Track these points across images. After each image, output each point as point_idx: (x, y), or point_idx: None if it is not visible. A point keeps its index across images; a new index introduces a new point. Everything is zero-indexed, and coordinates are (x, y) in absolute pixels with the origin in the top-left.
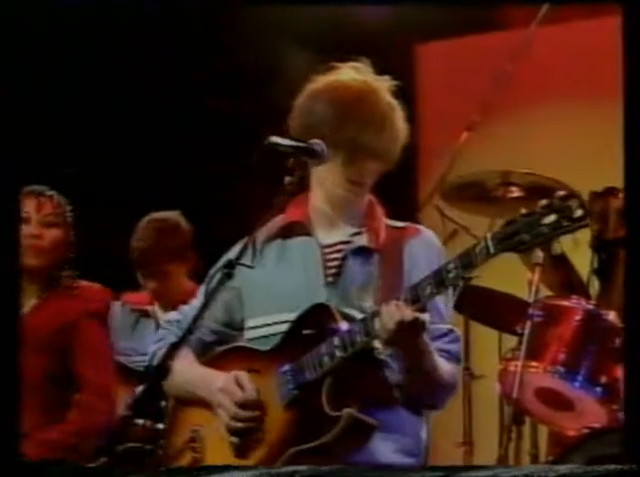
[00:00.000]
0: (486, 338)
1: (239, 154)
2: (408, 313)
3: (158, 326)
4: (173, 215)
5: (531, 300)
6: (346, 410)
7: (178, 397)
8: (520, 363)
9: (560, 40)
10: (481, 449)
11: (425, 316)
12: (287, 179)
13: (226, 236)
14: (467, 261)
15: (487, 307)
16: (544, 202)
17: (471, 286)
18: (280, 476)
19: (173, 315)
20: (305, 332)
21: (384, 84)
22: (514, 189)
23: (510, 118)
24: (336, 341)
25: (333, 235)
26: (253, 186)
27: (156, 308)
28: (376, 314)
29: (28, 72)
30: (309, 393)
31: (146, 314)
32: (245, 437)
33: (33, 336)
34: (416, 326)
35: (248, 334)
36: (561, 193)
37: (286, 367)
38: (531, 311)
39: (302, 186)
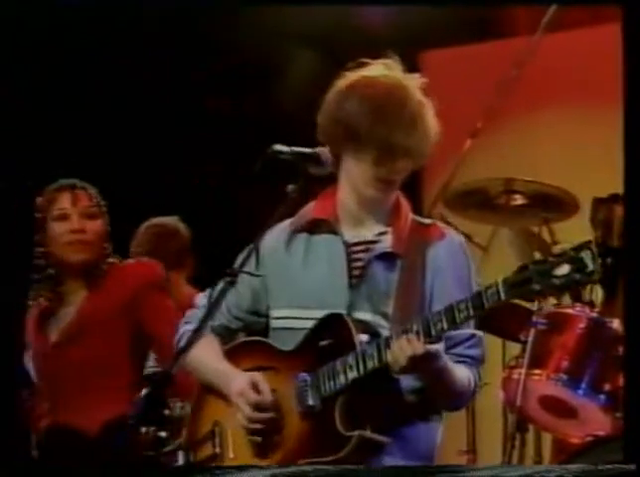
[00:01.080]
0: (490, 346)
1: (239, 155)
2: (420, 347)
3: None
4: (172, 220)
5: (535, 308)
6: (357, 432)
7: (202, 383)
8: (523, 371)
9: (563, 46)
10: (485, 457)
11: (438, 347)
12: (290, 187)
13: (226, 241)
14: (478, 303)
15: (491, 315)
16: (557, 250)
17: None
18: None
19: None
20: (322, 343)
21: (414, 82)
22: (517, 197)
23: (514, 125)
24: (350, 360)
25: (359, 233)
26: (255, 192)
27: None
28: (388, 342)
29: (27, 72)
30: (324, 407)
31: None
32: (264, 438)
33: (92, 323)
34: (429, 358)
35: (273, 323)
36: (578, 242)
37: (305, 376)
38: (534, 319)
39: (306, 194)
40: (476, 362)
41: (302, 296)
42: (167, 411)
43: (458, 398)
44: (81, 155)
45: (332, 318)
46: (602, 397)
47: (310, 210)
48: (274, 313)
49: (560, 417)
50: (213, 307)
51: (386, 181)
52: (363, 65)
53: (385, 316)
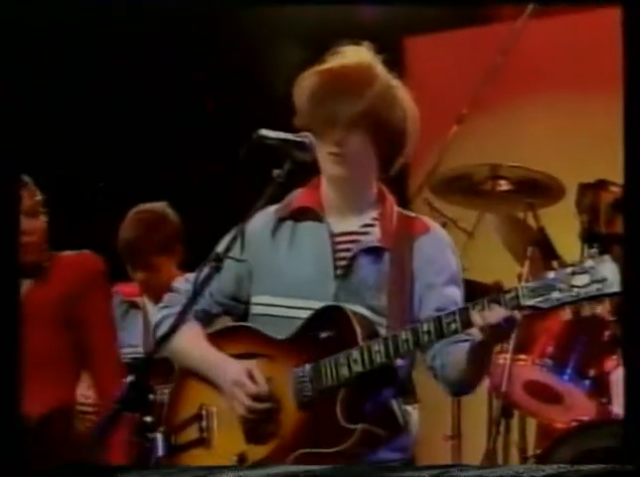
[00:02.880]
0: None
1: (235, 152)
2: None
3: (146, 319)
4: (160, 206)
5: None
6: (361, 425)
7: (184, 369)
8: (509, 356)
9: (549, 33)
10: (469, 443)
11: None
12: (276, 172)
13: (215, 227)
14: (496, 305)
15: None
16: (576, 259)
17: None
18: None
19: (182, 284)
20: (322, 335)
21: (371, 58)
22: (503, 182)
23: (499, 112)
24: (355, 355)
25: (344, 223)
26: (243, 178)
27: (145, 300)
28: (396, 340)
29: (27, 71)
30: (324, 399)
31: (135, 305)
32: (260, 427)
33: (33, 314)
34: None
35: (253, 309)
36: (596, 253)
37: (304, 368)
38: None
39: (292, 178)
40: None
41: (285, 284)
42: (152, 396)
43: (483, 378)
44: (80, 152)
45: (331, 310)
46: (587, 382)
47: (296, 198)
48: (255, 299)
49: (545, 403)
50: (198, 292)
51: (338, 155)
52: (337, 53)
53: (373, 309)
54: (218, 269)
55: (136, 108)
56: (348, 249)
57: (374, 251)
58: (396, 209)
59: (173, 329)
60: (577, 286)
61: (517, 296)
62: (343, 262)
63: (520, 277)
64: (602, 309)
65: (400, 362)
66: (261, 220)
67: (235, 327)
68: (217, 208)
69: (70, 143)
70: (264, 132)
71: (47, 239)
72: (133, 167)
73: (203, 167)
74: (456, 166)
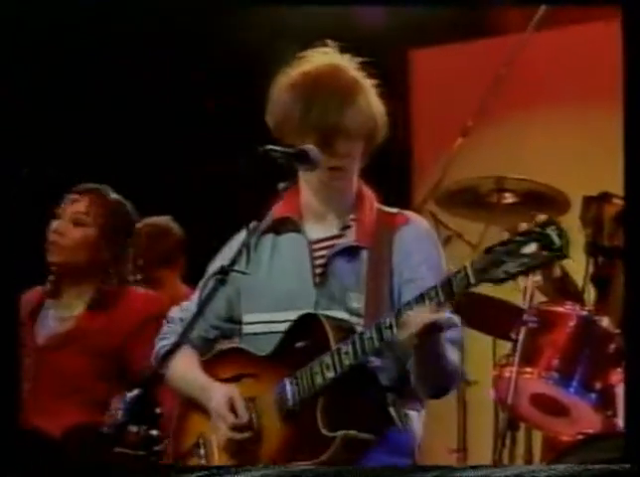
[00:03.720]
0: (480, 344)
1: (236, 155)
2: (438, 313)
3: None
4: (164, 220)
5: (525, 306)
6: (340, 432)
7: (182, 396)
8: (514, 369)
9: (554, 44)
10: (475, 456)
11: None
12: (281, 185)
13: (219, 240)
14: (448, 289)
15: (481, 313)
16: (523, 227)
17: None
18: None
19: (177, 312)
20: (298, 345)
21: (347, 63)
22: (508, 195)
23: (505, 124)
24: (327, 360)
25: (322, 229)
26: (246, 190)
27: None
28: (362, 339)
29: (27, 71)
30: (305, 409)
31: None
32: (246, 451)
33: (85, 343)
34: (438, 327)
35: (246, 329)
36: (541, 218)
37: (283, 382)
38: (525, 317)
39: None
40: (457, 345)
41: (270, 299)
42: (158, 410)
43: (450, 380)
44: (80, 153)
45: (306, 318)
46: (593, 395)
47: (275, 208)
48: (247, 318)
49: (551, 416)
50: (203, 307)
51: (334, 168)
52: (302, 58)
53: (354, 312)
54: (223, 283)
55: (136, 108)
56: (324, 256)
57: (351, 252)
58: (376, 205)
59: (171, 351)
60: (526, 255)
61: (466, 275)
62: (320, 270)
63: (525, 290)
64: (608, 322)
65: (377, 361)
66: (240, 241)
67: (224, 350)
68: (220, 220)
69: (69, 143)
70: (268, 146)
71: (93, 256)
72: (133, 168)
73: (206, 176)
74: (461, 179)
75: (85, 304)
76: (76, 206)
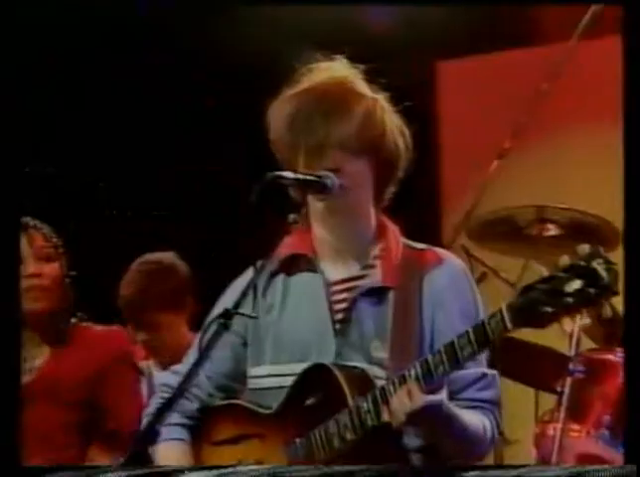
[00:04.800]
0: (520, 397)
1: (241, 156)
2: (420, 399)
3: (151, 386)
4: (168, 256)
5: (571, 354)
6: None
7: None
8: (559, 426)
9: (600, 55)
10: None
11: (442, 396)
12: (291, 217)
13: (223, 281)
14: (482, 337)
15: (521, 362)
16: (565, 261)
17: (503, 337)
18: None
19: (170, 378)
20: (308, 401)
21: (350, 73)
22: (550, 226)
23: (546, 145)
24: (345, 419)
25: (341, 269)
26: (257, 222)
27: (151, 365)
28: (385, 393)
29: (27, 70)
30: None
31: (139, 371)
32: None
33: (50, 391)
34: (432, 410)
35: (252, 383)
36: (585, 250)
37: (294, 444)
38: (571, 366)
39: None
40: (491, 405)
41: (282, 349)
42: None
43: (474, 449)
44: (78, 153)
45: (315, 370)
46: None
47: (285, 245)
48: (255, 371)
49: None
50: (204, 356)
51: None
52: (301, 74)
53: (380, 364)
54: (226, 327)
55: (136, 108)
56: (345, 300)
57: (375, 294)
58: (401, 240)
59: (166, 407)
60: (569, 294)
61: (502, 319)
62: (340, 315)
63: (571, 335)
64: None
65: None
66: (247, 281)
67: (224, 406)
68: (228, 256)
69: (68, 143)
70: (279, 173)
71: (65, 294)
72: (133, 169)
73: (208, 208)
74: (497, 208)
75: (46, 345)
76: (35, 241)
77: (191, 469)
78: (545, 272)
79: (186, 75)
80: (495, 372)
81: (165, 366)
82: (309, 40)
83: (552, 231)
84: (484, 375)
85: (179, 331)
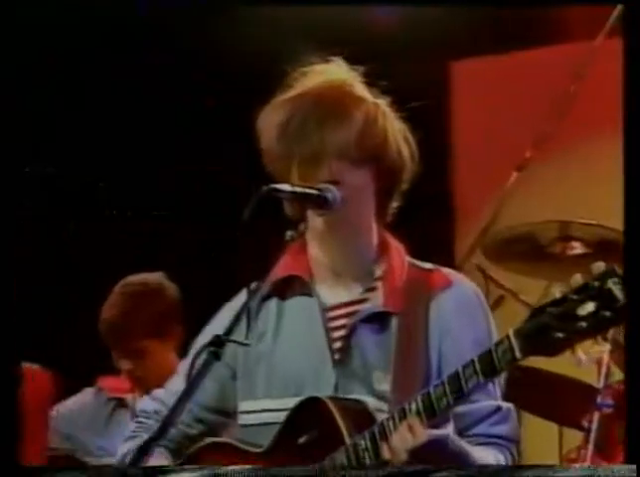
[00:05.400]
0: (543, 433)
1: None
2: (423, 435)
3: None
4: (154, 277)
5: (599, 385)
6: None
7: None
8: (587, 464)
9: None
10: None
11: (447, 431)
12: (289, 234)
13: (211, 305)
14: (488, 366)
15: (542, 394)
16: (578, 281)
17: (521, 367)
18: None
19: (148, 404)
20: (301, 439)
21: (347, 77)
22: (575, 244)
23: (571, 155)
24: (341, 459)
25: (339, 292)
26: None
27: (137, 397)
28: (384, 431)
29: (26, 70)
30: None
31: (124, 404)
32: None
33: None
34: (436, 447)
35: (243, 419)
36: (599, 269)
37: None
38: (599, 400)
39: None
40: (507, 441)
41: (276, 381)
42: None
43: None
44: (77, 153)
45: (309, 404)
46: None
47: (279, 266)
48: (244, 406)
49: None
50: (192, 387)
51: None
52: (294, 79)
53: (382, 396)
54: (217, 356)
55: (136, 108)
56: (344, 327)
57: (376, 320)
58: (407, 260)
59: (148, 444)
60: (583, 317)
61: (510, 347)
62: (339, 343)
63: (599, 364)
64: None
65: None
66: (239, 305)
67: (214, 444)
68: (220, 278)
69: (68, 143)
70: (275, 186)
71: None
72: (133, 169)
73: (204, 166)
74: (516, 224)
75: None
76: None
77: (185, 468)
78: (556, 294)
79: (186, 75)
80: (510, 405)
81: None
82: (307, 40)
83: (577, 249)
84: (498, 408)
85: (166, 359)
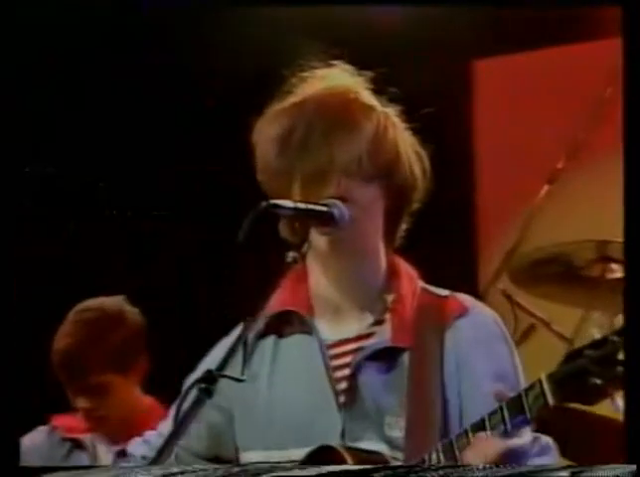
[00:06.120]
0: None
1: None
2: (502, 444)
3: (95, 462)
4: (114, 301)
5: None
6: None
7: None
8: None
9: None
10: None
11: (526, 440)
12: (290, 255)
13: (198, 331)
14: (518, 415)
15: (578, 436)
16: (620, 319)
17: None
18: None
19: (137, 447)
20: None
21: (352, 83)
22: (615, 267)
23: (608, 165)
24: None
25: (343, 326)
26: (244, 261)
27: (94, 438)
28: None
29: (26, 69)
30: None
31: (80, 445)
32: None
33: None
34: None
35: None
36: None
37: None
38: None
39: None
40: None
41: (274, 430)
42: None
43: None
44: (77, 153)
45: (320, 454)
46: None
47: (275, 299)
48: (244, 457)
49: None
50: (180, 429)
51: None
52: (293, 86)
53: (395, 444)
54: (209, 394)
55: (136, 108)
56: (347, 365)
57: (385, 357)
58: (419, 286)
59: None
60: (623, 362)
61: (542, 393)
62: (344, 384)
63: None
64: None
65: None
66: (233, 339)
67: None
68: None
69: (68, 143)
70: (275, 201)
71: None
72: (133, 169)
73: (204, 166)
74: (547, 244)
75: None
76: None
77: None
78: (595, 334)
79: (186, 75)
80: (549, 438)
81: (114, 440)
82: (307, 40)
83: (616, 272)
84: (536, 439)
85: (130, 395)
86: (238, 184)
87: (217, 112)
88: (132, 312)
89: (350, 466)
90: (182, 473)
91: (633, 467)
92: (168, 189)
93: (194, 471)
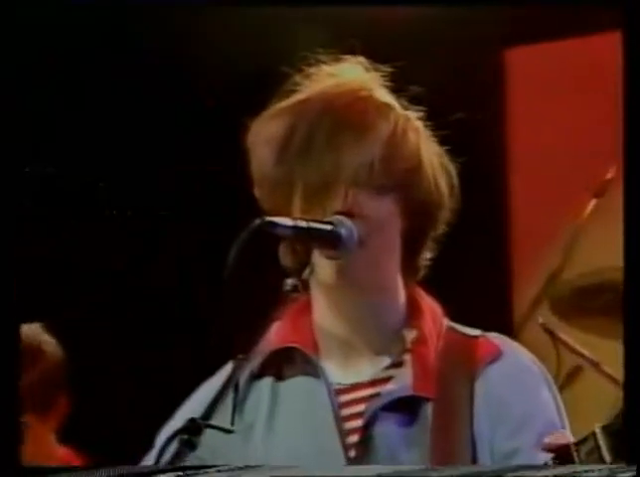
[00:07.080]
0: None
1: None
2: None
3: None
4: (29, 331)
5: None
6: None
7: None
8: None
9: None
10: None
11: None
12: (289, 283)
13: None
14: (567, 472)
15: None
16: None
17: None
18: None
19: None
20: None
21: (367, 81)
22: None
23: None
24: None
25: (354, 369)
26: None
27: None
28: None
29: (26, 69)
30: None
31: None
32: None
33: None
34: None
35: None
36: None
37: None
38: None
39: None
40: None
41: None
42: None
43: None
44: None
45: None
46: None
47: (274, 334)
48: None
49: None
50: None
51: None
52: (308, 77)
53: None
54: (192, 447)
55: (136, 108)
56: (362, 414)
57: (404, 406)
58: (445, 324)
59: None
60: None
61: (597, 447)
62: (355, 437)
63: None
64: None
65: None
66: (222, 381)
67: None
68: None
69: (68, 143)
70: (271, 219)
71: None
72: (133, 169)
73: (204, 167)
74: (594, 269)
75: None
76: None
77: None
78: None
79: (186, 75)
80: None
81: None
82: (314, 33)
83: None
84: None
85: (43, 443)
86: (237, 184)
87: (217, 112)
88: (50, 343)
89: None
90: None
91: (633, 467)
92: (168, 189)
93: None
